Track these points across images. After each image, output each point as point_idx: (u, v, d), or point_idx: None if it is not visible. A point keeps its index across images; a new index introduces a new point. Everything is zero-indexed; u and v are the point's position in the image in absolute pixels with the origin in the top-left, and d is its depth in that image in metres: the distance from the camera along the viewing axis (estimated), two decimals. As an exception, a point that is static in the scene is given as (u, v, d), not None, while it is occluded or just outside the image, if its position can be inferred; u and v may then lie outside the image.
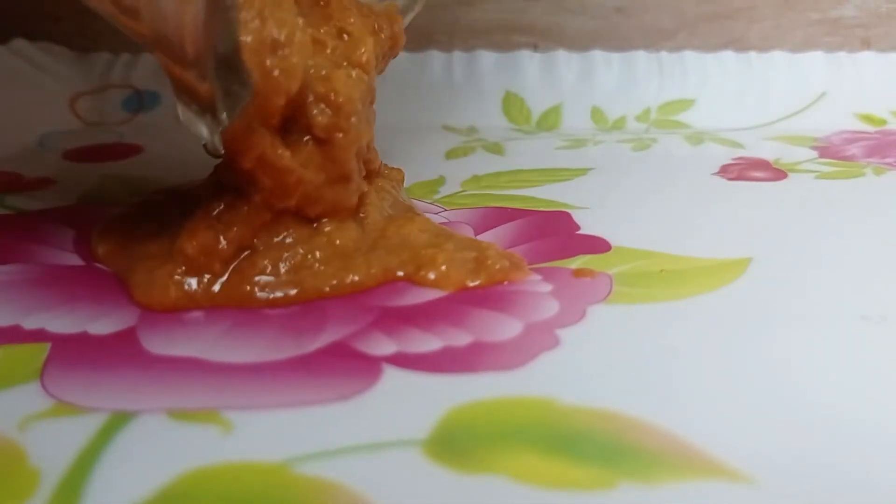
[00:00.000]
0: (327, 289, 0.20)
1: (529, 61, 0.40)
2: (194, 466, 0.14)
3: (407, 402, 0.16)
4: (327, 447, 0.14)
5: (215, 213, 0.20)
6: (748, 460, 0.14)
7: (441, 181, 0.29)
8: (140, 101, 0.40)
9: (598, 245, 0.23)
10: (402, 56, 0.41)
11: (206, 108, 0.17)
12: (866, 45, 0.40)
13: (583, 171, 0.30)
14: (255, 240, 0.20)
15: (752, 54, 0.40)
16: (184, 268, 0.20)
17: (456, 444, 0.15)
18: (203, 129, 0.18)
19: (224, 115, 0.17)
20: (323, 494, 0.13)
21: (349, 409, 0.16)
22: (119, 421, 0.15)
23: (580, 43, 0.41)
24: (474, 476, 0.14)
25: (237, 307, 0.20)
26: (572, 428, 0.15)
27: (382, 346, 0.18)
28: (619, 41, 0.41)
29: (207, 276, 0.20)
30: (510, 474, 0.14)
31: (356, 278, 0.20)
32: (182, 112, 0.18)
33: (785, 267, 0.21)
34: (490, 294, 0.20)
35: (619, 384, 0.16)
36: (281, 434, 0.15)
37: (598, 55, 0.40)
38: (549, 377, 0.17)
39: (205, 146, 0.19)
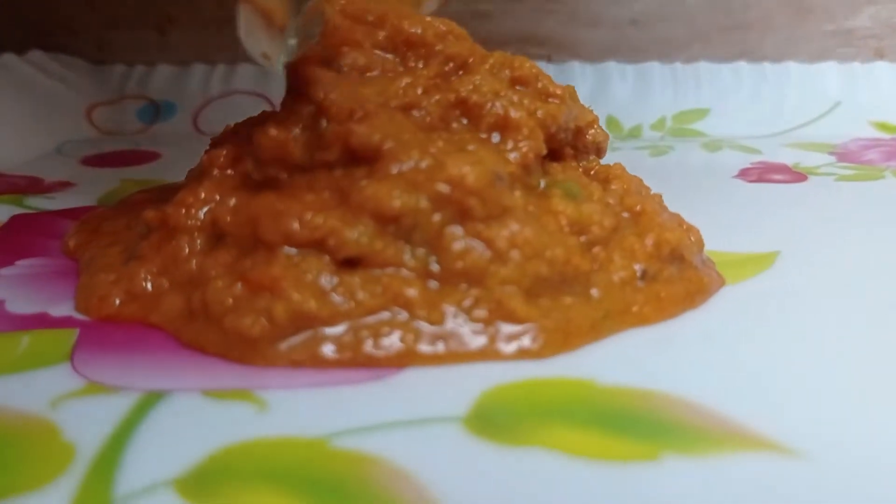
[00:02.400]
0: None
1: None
2: (231, 441, 0.14)
3: (442, 382, 0.16)
4: (365, 423, 0.14)
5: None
6: (792, 434, 0.14)
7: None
8: (156, 112, 0.40)
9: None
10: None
11: (277, 32, 0.16)
12: (880, 55, 0.40)
13: (602, 175, 0.30)
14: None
15: (766, 65, 0.40)
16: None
17: (496, 420, 0.14)
18: (266, 45, 0.16)
19: (293, 42, 0.16)
20: (365, 467, 0.13)
21: (384, 389, 0.15)
22: (152, 399, 0.15)
23: (595, 55, 0.41)
24: (518, 448, 0.13)
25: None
26: (612, 406, 0.15)
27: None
28: (633, 53, 0.41)
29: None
30: (554, 447, 0.13)
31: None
32: (244, 25, 0.17)
33: (813, 259, 0.21)
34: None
35: (656, 365, 0.16)
36: (317, 411, 0.15)
37: (612, 66, 0.40)
38: (586, 360, 0.16)
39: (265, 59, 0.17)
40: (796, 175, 0.30)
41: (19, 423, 0.14)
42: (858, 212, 0.25)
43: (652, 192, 0.22)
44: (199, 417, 0.15)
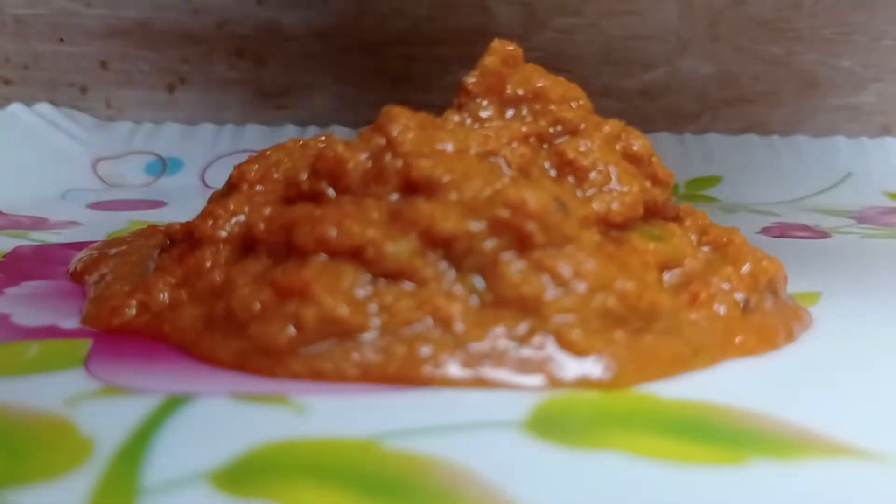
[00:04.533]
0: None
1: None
2: (270, 440, 0.12)
3: (493, 391, 0.14)
4: (419, 425, 0.13)
5: None
6: (883, 441, 0.13)
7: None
8: (163, 167, 0.40)
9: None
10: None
11: None
12: (887, 131, 0.41)
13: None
14: None
15: (776, 137, 0.40)
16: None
17: (561, 425, 0.13)
18: None
19: None
20: (424, 467, 0.12)
21: (432, 396, 0.14)
22: (177, 401, 0.14)
23: (604, 124, 0.41)
24: (591, 451, 0.12)
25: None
26: (684, 416, 0.14)
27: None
28: (642, 123, 0.41)
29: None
30: (631, 451, 0.12)
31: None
32: None
33: (858, 296, 0.21)
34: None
35: (710, 383, 0.15)
36: (363, 415, 0.13)
37: (622, 135, 0.40)
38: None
39: None
40: (819, 233, 0.30)
41: (32, 418, 0.13)
42: (890, 261, 0.25)
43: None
44: (231, 418, 0.13)
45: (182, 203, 0.34)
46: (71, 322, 0.18)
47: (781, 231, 0.30)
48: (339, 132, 0.42)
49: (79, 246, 0.25)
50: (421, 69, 0.42)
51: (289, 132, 0.42)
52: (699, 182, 0.38)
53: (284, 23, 0.42)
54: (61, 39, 0.42)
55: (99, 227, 0.28)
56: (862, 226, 0.31)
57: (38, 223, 0.29)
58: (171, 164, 0.40)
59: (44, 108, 0.40)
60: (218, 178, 0.38)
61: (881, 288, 0.22)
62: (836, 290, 0.21)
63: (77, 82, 0.42)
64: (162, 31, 0.42)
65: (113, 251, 0.22)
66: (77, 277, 0.21)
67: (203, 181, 0.39)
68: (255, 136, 0.41)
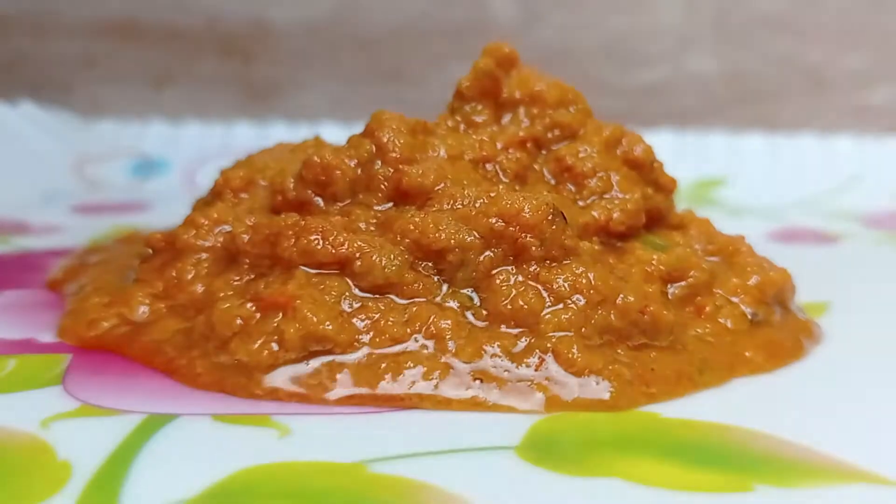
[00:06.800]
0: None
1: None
2: (252, 464, 0.12)
3: (487, 414, 0.14)
4: (405, 450, 0.12)
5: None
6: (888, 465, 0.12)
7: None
8: (149, 167, 0.39)
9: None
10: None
11: None
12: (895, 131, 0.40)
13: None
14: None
15: (782, 136, 0.39)
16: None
17: (554, 450, 0.12)
18: None
19: None
20: (412, 493, 0.11)
21: (419, 418, 0.14)
22: (156, 423, 0.13)
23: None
24: (588, 479, 0.12)
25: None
26: (688, 438, 0.13)
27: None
28: (644, 122, 0.40)
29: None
30: (630, 479, 0.12)
31: None
32: None
33: (866, 307, 0.20)
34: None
35: (718, 399, 0.15)
36: (348, 437, 0.13)
37: (621, 134, 0.40)
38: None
39: None
40: (826, 238, 0.29)
41: (8, 440, 0.12)
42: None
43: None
44: (211, 440, 0.13)
45: (168, 206, 0.33)
46: (48, 335, 0.17)
47: (788, 235, 0.29)
48: (331, 130, 0.41)
49: (60, 253, 0.24)
50: (415, 65, 0.41)
51: (278, 130, 0.41)
52: (703, 183, 0.38)
53: (274, 18, 0.41)
54: (45, 36, 0.41)
55: (81, 232, 0.27)
56: (870, 229, 0.31)
57: (20, 227, 0.28)
58: (157, 164, 0.39)
59: (27, 106, 0.39)
60: (209, 178, 0.37)
61: (892, 295, 0.21)
62: (846, 298, 0.21)
63: (62, 80, 0.42)
64: (149, 28, 0.41)
65: (93, 259, 0.21)
66: (56, 287, 0.20)
67: (193, 181, 0.38)
68: (244, 135, 0.40)
